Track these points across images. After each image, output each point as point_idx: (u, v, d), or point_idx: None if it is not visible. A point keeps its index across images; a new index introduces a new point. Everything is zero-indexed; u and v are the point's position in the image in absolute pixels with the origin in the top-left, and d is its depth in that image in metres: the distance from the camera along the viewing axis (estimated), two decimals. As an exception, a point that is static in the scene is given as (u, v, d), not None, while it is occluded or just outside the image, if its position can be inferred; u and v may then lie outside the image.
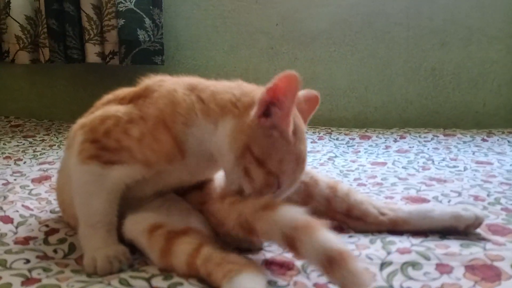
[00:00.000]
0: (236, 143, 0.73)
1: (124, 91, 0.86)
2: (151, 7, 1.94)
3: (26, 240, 0.85)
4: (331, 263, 0.59)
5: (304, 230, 0.63)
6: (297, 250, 0.63)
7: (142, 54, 1.94)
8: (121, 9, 1.90)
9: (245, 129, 0.72)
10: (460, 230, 0.84)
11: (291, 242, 0.64)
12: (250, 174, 0.73)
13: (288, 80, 0.70)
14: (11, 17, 2.03)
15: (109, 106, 0.83)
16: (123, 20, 1.90)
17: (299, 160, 0.75)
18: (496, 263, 0.71)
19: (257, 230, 0.68)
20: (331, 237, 0.62)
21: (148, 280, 0.70)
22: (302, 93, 0.81)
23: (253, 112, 0.72)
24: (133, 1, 1.90)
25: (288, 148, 0.73)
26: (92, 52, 1.98)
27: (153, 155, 0.76)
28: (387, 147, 1.66)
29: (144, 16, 1.92)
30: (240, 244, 0.80)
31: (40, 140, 1.77)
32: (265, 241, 0.70)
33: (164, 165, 0.77)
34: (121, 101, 0.83)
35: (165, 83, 0.81)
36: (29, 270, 0.73)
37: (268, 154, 0.72)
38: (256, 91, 0.77)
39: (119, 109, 0.80)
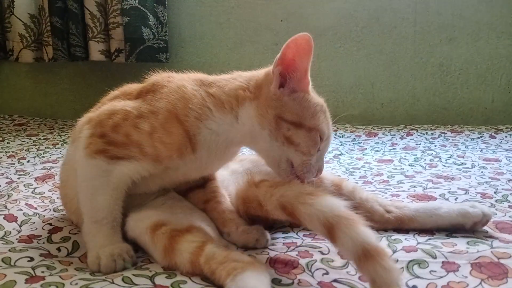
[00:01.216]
0: (267, 119, 0.76)
1: (130, 87, 0.86)
2: (155, 4, 1.94)
3: (30, 239, 0.85)
4: (367, 256, 0.60)
5: (346, 221, 0.63)
6: (335, 238, 0.64)
7: (146, 51, 1.94)
8: (125, 6, 1.89)
9: (269, 104, 0.76)
10: (467, 227, 0.83)
11: (331, 229, 0.64)
12: (293, 141, 0.76)
13: (296, 44, 0.75)
14: (15, 16, 2.03)
15: (116, 101, 0.82)
16: (128, 18, 1.90)
17: (324, 109, 0.81)
18: (503, 261, 0.70)
19: (299, 212, 0.68)
20: (370, 233, 0.63)
21: (151, 278, 0.69)
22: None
23: (272, 86, 0.77)
24: (137, -1, 1.90)
25: (313, 102, 0.79)
26: (95, 50, 1.98)
27: (164, 148, 0.76)
28: (393, 144, 1.64)
29: (148, 13, 1.92)
30: (245, 243, 0.79)
31: (43, 139, 1.77)
32: (303, 225, 0.69)
33: (174, 159, 0.77)
34: (128, 96, 0.83)
35: (174, 79, 0.82)
36: (33, 268, 0.73)
37: (301, 114, 0.77)
38: (257, 73, 0.82)
39: (128, 104, 0.80)
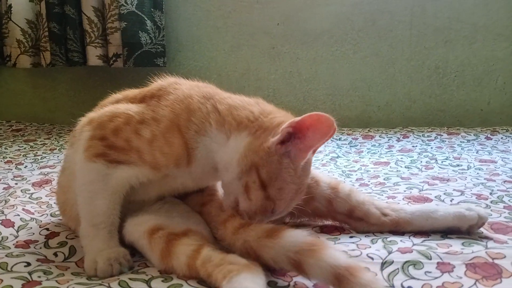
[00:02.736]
0: (246, 160, 0.73)
1: (133, 91, 0.86)
2: (152, 9, 1.95)
3: (27, 244, 0.86)
4: (340, 280, 0.61)
5: (308, 253, 0.64)
6: (305, 272, 0.65)
7: (144, 56, 1.94)
8: (123, 11, 1.90)
9: (259, 150, 0.73)
10: (463, 230, 0.83)
11: (298, 265, 0.65)
12: (249, 193, 0.73)
13: (319, 119, 0.70)
14: (13, 21, 2.04)
15: (119, 104, 0.82)
16: (125, 23, 1.91)
17: (299, 191, 0.76)
18: (497, 261, 0.70)
19: (263, 258, 0.69)
20: (335, 254, 0.64)
21: (147, 282, 0.70)
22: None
23: (274, 138, 0.72)
24: (134, 4, 1.91)
25: (293, 179, 0.73)
26: (93, 55, 1.99)
27: (163, 157, 0.76)
28: (390, 146, 1.65)
29: (146, 18, 1.93)
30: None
31: (41, 144, 1.78)
32: (274, 267, 0.70)
33: (171, 168, 0.77)
34: (131, 100, 0.83)
35: (181, 87, 0.81)
36: (30, 273, 0.73)
37: (273, 180, 0.73)
38: (275, 113, 0.78)
39: (131, 108, 0.79)
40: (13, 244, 0.85)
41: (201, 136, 0.76)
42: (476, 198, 1.03)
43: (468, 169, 1.31)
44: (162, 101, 0.78)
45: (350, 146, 1.69)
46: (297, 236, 0.67)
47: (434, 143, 1.67)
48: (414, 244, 0.79)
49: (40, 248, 0.84)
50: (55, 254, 0.82)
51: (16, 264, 0.76)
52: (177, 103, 0.77)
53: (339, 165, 1.43)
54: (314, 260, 0.63)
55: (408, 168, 1.36)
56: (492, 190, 1.08)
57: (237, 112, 0.77)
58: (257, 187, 0.73)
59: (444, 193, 1.07)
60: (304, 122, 0.71)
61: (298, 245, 0.65)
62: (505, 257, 0.71)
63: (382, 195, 1.09)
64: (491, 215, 0.92)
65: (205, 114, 0.77)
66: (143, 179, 0.78)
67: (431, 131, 1.82)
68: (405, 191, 1.12)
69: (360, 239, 0.82)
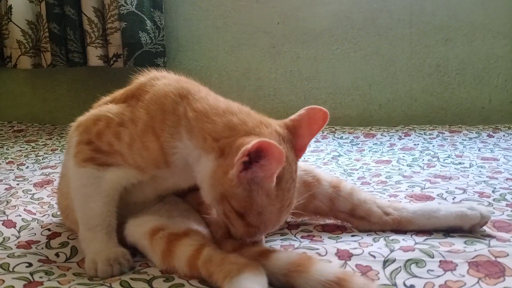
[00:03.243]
0: (216, 189, 0.69)
1: (120, 92, 0.85)
2: (152, 9, 1.95)
3: (29, 244, 0.86)
4: None
5: (295, 274, 0.65)
6: None
7: (144, 56, 1.94)
8: (122, 11, 1.90)
9: (223, 181, 0.67)
10: (466, 229, 0.83)
11: (291, 286, 0.66)
12: (230, 220, 0.71)
13: (269, 150, 0.63)
14: (13, 22, 2.04)
15: (103, 106, 0.82)
16: (125, 23, 1.91)
17: (283, 208, 0.70)
18: (500, 259, 0.70)
19: None
20: (322, 268, 0.64)
21: (149, 282, 0.70)
22: (301, 114, 0.75)
23: (233, 171, 0.65)
24: (134, 4, 1.91)
25: (270, 202, 0.68)
26: (94, 55, 1.99)
27: (142, 161, 0.75)
28: (391, 145, 1.64)
29: (145, 18, 1.93)
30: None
31: (42, 145, 1.78)
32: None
33: (154, 170, 0.76)
34: (117, 100, 0.82)
35: (158, 83, 0.78)
36: (31, 274, 0.73)
37: (248, 208, 0.68)
38: (239, 130, 0.69)
39: (111, 109, 0.79)
40: (15, 245, 0.85)
41: (176, 141, 0.72)
42: (478, 196, 1.03)
43: (470, 167, 1.31)
44: (140, 101, 0.76)
45: (351, 144, 1.68)
46: (282, 258, 0.68)
47: (436, 141, 1.66)
48: (416, 243, 0.78)
49: (42, 248, 0.84)
50: (57, 255, 0.82)
51: (17, 264, 0.76)
52: (152, 103, 0.74)
53: (340, 163, 1.43)
54: (302, 279, 0.64)
55: (410, 166, 1.35)
56: (495, 188, 1.08)
57: (203, 125, 0.71)
58: (234, 216, 0.69)
59: (446, 191, 1.06)
60: (257, 149, 0.63)
61: (284, 267, 0.66)
62: (508, 255, 0.71)
63: (384, 193, 1.08)
64: (494, 213, 0.91)
65: (178, 118, 0.72)
66: (133, 180, 0.78)
67: (433, 129, 1.82)
68: (407, 189, 1.11)
69: (362, 238, 0.82)
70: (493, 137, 1.67)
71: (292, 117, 0.75)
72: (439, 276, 0.68)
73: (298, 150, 0.74)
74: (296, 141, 0.74)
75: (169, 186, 0.83)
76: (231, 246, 0.74)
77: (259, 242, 0.75)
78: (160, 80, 0.79)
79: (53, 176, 1.30)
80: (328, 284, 0.62)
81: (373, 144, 1.67)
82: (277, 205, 0.69)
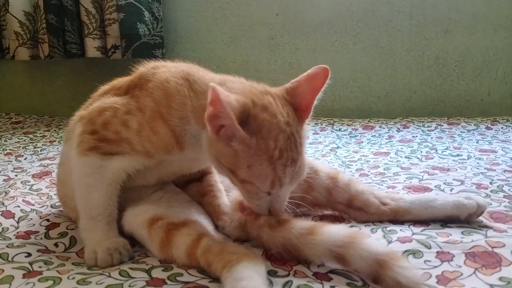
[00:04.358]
0: (211, 155, 0.71)
1: (120, 81, 0.86)
2: (150, 0, 1.93)
3: (27, 235, 0.86)
4: (382, 265, 0.64)
5: (350, 245, 0.66)
6: (347, 263, 0.67)
7: (142, 47, 1.93)
8: (120, 2, 1.89)
9: (211, 144, 0.70)
10: (462, 219, 0.83)
11: (341, 258, 0.67)
12: (234, 184, 0.72)
13: (212, 92, 0.64)
14: (10, 14, 2.02)
15: (106, 97, 0.82)
16: (123, 14, 1.90)
17: (273, 159, 0.67)
18: (497, 250, 0.70)
19: (305, 255, 0.70)
20: (375, 243, 0.67)
21: (148, 271, 0.70)
22: (302, 75, 0.75)
23: (209, 131, 0.67)
24: (132, -5, 1.90)
25: (250, 152, 0.67)
26: (91, 47, 1.98)
27: (152, 146, 0.76)
28: (390, 137, 1.65)
29: (144, 9, 1.92)
30: (239, 237, 0.80)
31: (40, 136, 1.78)
32: (315, 262, 0.72)
33: (163, 155, 0.77)
34: (117, 91, 0.83)
35: (159, 71, 0.79)
36: (31, 263, 0.74)
37: (235, 163, 0.68)
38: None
39: (117, 100, 0.79)
40: (14, 235, 0.85)
41: (185, 123, 0.74)
42: (476, 187, 1.03)
43: (468, 159, 1.31)
44: (143, 90, 0.77)
45: (350, 136, 1.69)
46: (337, 230, 0.69)
47: (434, 133, 1.66)
48: (413, 233, 0.79)
49: (41, 238, 0.85)
50: (56, 245, 0.83)
51: (17, 254, 0.77)
52: (155, 90, 0.76)
53: (339, 155, 1.43)
54: (355, 251, 0.65)
55: (408, 158, 1.36)
56: (492, 180, 1.08)
57: (200, 101, 0.72)
58: (232, 176, 0.70)
59: (444, 183, 1.07)
60: (212, 100, 0.64)
61: (339, 239, 0.67)
62: (504, 245, 0.71)
63: (382, 185, 1.09)
64: (491, 204, 0.92)
65: (183, 99, 0.74)
66: (139, 167, 0.79)
67: (431, 122, 1.82)
68: (405, 181, 1.12)
69: (360, 229, 0.83)
70: (492, 129, 1.68)
71: (293, 80, 0.76)
72: (436, 267, 0.68)
73: (302, 110, 0.73)
74: (298, 101, 0.73)
75: (172, 171, 0.84)
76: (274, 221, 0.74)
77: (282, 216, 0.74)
78: (160, 68, 0.80)
79: (52, 167, 1.30)
80: (379, 257, 0.64)
81: (371, 136, 1.67)
82: (263, 156, 0.67)
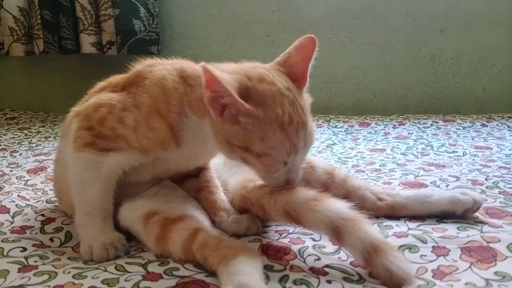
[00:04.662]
0: (219, 141, 0.71)
1: (116, 78, 0.85)
2: (145, -4, 1.92)
3: (23, 229, 0.85)
4: (377, 251, 0.64)
5: (351, 222, 0.66)
6: (342, 240, 0.67)
7: (138, 43, 1.92)
8: (116, -2, 1.88)
9: (218, 128, 0.70)
10: (458, 214, 0.83)
11: (337, 232, 0.67)
12: (248, 162, 0.72)
13: (205, 73, 0.64)
14: (4, 9, 2.01)
15: (103, 94, 0.82)
16: (118, 10, 1.89)
17: (285, 125, 0.67)
18: (492, 245, 0.71)
19: (305, 219, 0.69)
20: (376, 230, 0.67)
21: (144, 266, 0.70)
22: (289, 47, 0.76)
23: (213, 115, 0.68)
24: (128, -10, 1.89)
25: (260, 124, 0.67)
26: (87, 43, 1.97)
27: (148, 143, 0.76)
28: (386, 133, 1.65)
29: (139, 5, 1.91)
30: (236, 232, 0.80)
31: (35, 132, 1.77)
32: (310, 230, 0.73)
33: (160, 152, 0.77)
34: (113, 88, 0.82)
35: (155, 69, 0.79)
36: (26, 258, 0.73)
37: (248, 140, 0.68)
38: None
39: (113, 97, 0.79)
40: (9, 230, 0.84)
41: (184, 118, 0.74)
42: (471, 183, 1.03)
43: (463, 155, 1.32)
44: (140, 87, 0.77)
45: (346, 133, 1.69)
46: (341, 205, 0.69)
47: (430, 130, 1.67)
48: (409, 229, 0.79)
49: (36, 233, 0.84)
50: (51, 240, 0.82)
51: (12, 249, 0.76)
52: (152, 87, 0.76)
53: (335, 152, 1.43)
54: (355, 231, 0.65)
55: (404, 154, 1.36)
56: (488, 176, 1.09)
57: (197, 93, 0.72)
58: (246, 154, 0.69)
59: (440, 179, 1.07)
60: (206, 81, 0.65)
61: (341, 213, 0.67)
62: (500, 240, 0.72)
63: (378, 181, 1.09)
64: (487, 200, 0.92)
65: (180, 95, 0.74)
66: (135, 163, 0.79)
67: (427, 119, 1.82)
68: (400, 177, 1.12)
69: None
70: (487, 126, 1.68)
71: (282, 53, 0.76)
72: (432, 261, 0.69)
73: (299, 78, 0.74)
74: (293, 71, 0.74)
75: (167, 168, 0.84)
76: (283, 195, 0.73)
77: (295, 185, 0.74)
78: (156, 66, 0.80)
79: (47, 163, 1.29)
80: (377, 243, 0.65)
81: (367, 133, 1.67)
82: (274, 125, 0.67)
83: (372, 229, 0.67)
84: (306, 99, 0.75)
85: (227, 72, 0.69)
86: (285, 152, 0.69)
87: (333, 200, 0.70)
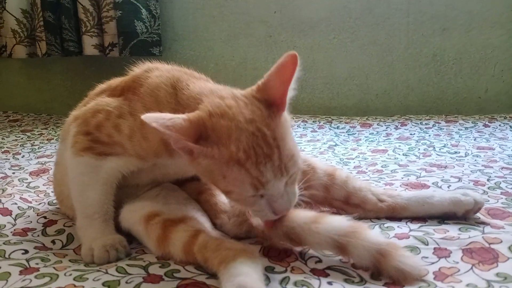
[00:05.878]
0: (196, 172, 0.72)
1: (116, 81, 0.85)
2: (147, -3, 1.93)
3: (25, 232, 0.86)
4: (384, 255, 0.65)
5: (352, 234, 0.67)
6: (349, 253, 0.68)
7: (140, 45, 1.93)
8: (118, 0, 1.88)
9: (189, 164, 0.68)
10: (459, 215, 0.83)
11: (342, 248, 0.68)
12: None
13: (156, 126, 0.62)
14: (7, 11, 2.02)
15: (101, 98, 0.82)
16: (120, 12, 1.90)
17: (241, 161, 0.63)
18: (494, 246, 0.70)
19: (308, 243, 0.71)
20: (377, 234, 0.69)
21: (145, 267, 0.70)
22: (272, 67, 0.71)
23: (183, 156, 0.67)
24: (129, -8, 1.89)
25: (218, 163, 0.64)
26: (89, 45, 1.97)
27: (143, 151, 0.76)
28: (388, 134, 1.65)
29: (141, 7, 1.91)
30: (237, 234, 0.80)
31: (38, 134, 1.77)
32: (315, 250, 0.73)
33: (156, 160, 0.77)
34: (113, 91, 0.82)
35: (151, 75, 0.77)
36: (27, 260, 0.74)
37: (212, 178, 0.67)
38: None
39: (110, 102, 0.79)
40: (11, 232, 0.85)
41: None
42: (473, 184, 1.03)
43: (465, 156, 1.31)
44: (136, 95, 0.77)
45: (348, 134, 1.69)
46: (339, 221, 0.70)
47: (432, 130, 1.66)
48: (411, 230, 0.79)
49: (38, 236, 0.84)
50: (53, 242, 0.83)
51: (14, 251, 0.77)
52: (146, 96, 0.75)
53: (337, 153, 1.43)
54: (358, 241, 0.66)
55: (406, 155, 1.36)
56: (490, 177, 1.08)
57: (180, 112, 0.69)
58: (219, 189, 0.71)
59: (442, 180, 1.07)
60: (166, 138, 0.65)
61: (342, 228, 0.68)
62: (501, 242, 0.71)
63: (380, 182, 1.09)
64: (488, 201, 0.92)
65: (172, 110, 0.71)
66: (133, 168, 0.79)
67: (429, 119, 1.82)
68: (402, 178, 1.12)
69: (358, 225, 0.82)
70: (489, 126, 1.68)
71: (266, 73, 0.72)
72: (433, 263, 0.68)
73: (277, 103, 0.69)
74: (271, 95, 0.69)
75: (168, 173, 0.84)
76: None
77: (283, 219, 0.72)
78: (153, 72, 0.79)
79: (49, 165, 1.30)
80: (382, 246, 0.66)
81: (369, 134, 1.67)
82: (230, 163, 0.63)
83: (374, 234, 0.67)
84: (283, 123, 0.69)
85: (192, 107, 0.68)
86: (249, 187, 0.64)
87: (331, 218, 0.71)
